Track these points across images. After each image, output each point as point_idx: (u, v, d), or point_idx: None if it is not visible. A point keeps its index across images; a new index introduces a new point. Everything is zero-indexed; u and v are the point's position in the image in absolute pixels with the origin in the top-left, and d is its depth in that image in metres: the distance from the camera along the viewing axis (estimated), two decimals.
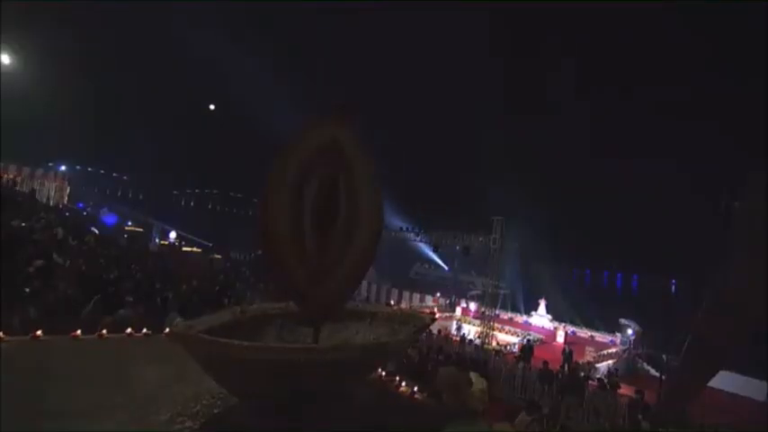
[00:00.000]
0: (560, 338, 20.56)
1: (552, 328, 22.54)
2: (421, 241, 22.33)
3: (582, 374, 13.59)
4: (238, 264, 24.66)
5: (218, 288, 10.38)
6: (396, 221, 27.94)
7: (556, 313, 24.94)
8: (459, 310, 24.60)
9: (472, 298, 26.24)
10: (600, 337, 21.19)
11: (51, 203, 28.72)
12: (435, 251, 22.27)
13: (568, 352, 15.15)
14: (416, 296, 25.29)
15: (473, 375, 4.85)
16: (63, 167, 33.86)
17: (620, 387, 10.61)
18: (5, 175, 29.14)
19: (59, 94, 31.70)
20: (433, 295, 26.82)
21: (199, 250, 28.32)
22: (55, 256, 5.71)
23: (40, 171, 31.86)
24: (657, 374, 16.64)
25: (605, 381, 10.39)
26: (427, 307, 25.16)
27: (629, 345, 18.31)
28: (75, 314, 3.69)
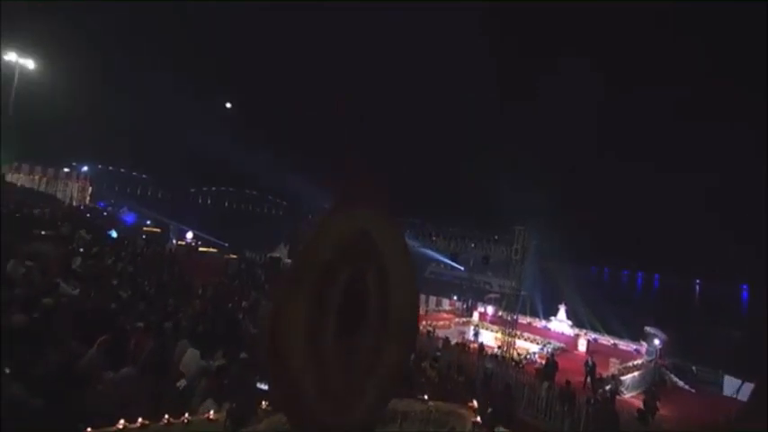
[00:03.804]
0: (582, 347, 19.86)
1: (573, 335, 21.82)
2: (436, 249, 21.85)
3: (608, 387, 13.02)
4: (253, 265, 24.67)
5: (231, 305, 10.19)
6: (411, 220, 27.49)
7: (575, 317, 24.17)
8: (476, 315, 24.07)
9: (489, 301, 25.66)
10: (623, 345, 20.38)
11: (75, 204, 29.36)
12: (454, 260, 21.75)
13: (591, 365, 14.50)
14: (432, 299, 24.81)
15: None
16: (85, 168, 34.55)
17: (658, 410, 10.06)
18: (32, 176, 29.97)
19: (82, 96, 32.31)
20: (450, 299, 26.33)
21: (215, 250, 28.50)
22: (63, 286, 5.52)
23: (64, 172, 32.59)
24: (686, 387, 15.91)
25: (644, 409, 9.80)
26: (444, 311, 24.73)
27: (656, 355, 17.51)
28: (71, 374, 3.41)
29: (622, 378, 14.27)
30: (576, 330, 22.38)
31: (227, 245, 30.55)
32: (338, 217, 1.68)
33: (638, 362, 16.71)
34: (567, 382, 10.60)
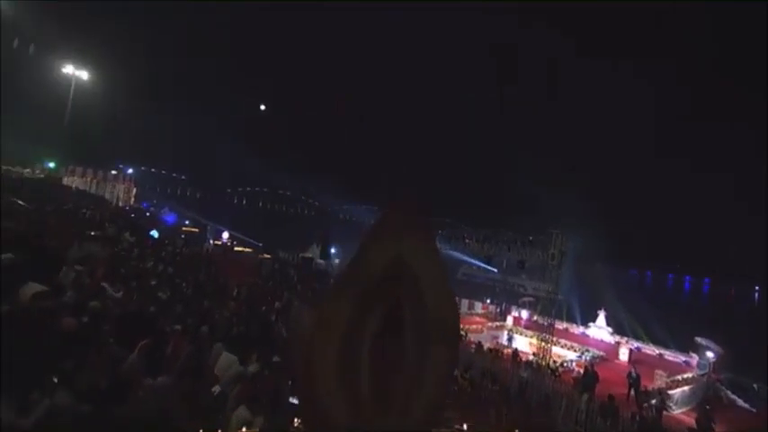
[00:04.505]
0: (623, 356, 18.80)
1: (613, 343, 20.72)
2: (470, 252, 21.38)
3: (654, 402, 12.19)
4: (286, 265, 25.17)
5: (264, 307, 10.38)
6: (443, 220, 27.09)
7: (616, 324, 22.95)
8: (510, 319, 23.39)
9: (523, 304, 24.88)
10: (670, 355, 19.10)
11: (121, 205, 31.17)
12: (488, 263, 21.22)
13: (635, 377, 13.64)
14: (465, 302, 24.29)
15: None
16: (130, 170, 36.59)
17: (713, 430, 9.32)
18: (85, 179, 32.15)
19: (128, 103, 34.39)
20: (482, 302, 25.74)
21: (250, 250, 29.32)
22: (107, 289, 5.78)
23: (111, 174, 34.68)
24: (746, 405, 14.65)
25: (696, 428, 9.10)
26: (476, 314, 24.20)
27: (709, 369, 16.25)
28: (116, 380, 3.50)
29: (670, 392, 13.33)
30: (617, 338, 21.25)
31: (261, 245, 31.35)
32: (374, 243, 1.57)
33: (689, 375, 15.58)
34: (611, 397, 10.00)
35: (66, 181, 29.92)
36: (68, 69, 27.49)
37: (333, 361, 1.47)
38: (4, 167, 26.59)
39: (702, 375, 15.92)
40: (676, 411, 12.81)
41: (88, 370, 3.34)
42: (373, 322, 1.46)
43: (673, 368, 16.52)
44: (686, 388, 14.33)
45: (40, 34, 28.08)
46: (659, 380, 14.46)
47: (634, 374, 13.73)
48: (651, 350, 19.96)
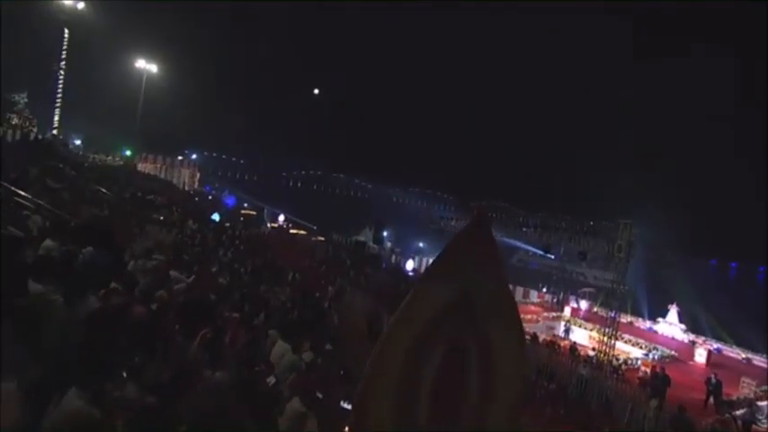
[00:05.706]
0: (700, 358, 17.08)
1: (686, 342, 18.86)
2: (527, 241, 20.35)
3: (739, 413, 10.89)
4: (339, 248, 25.75)
5: (318, 294, 10.61)
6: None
7: (691, 320, 20.83)
8: (567, 310, 22.17)
9: (583, 295, 23.42)
10: (760, 361, 16.97)
11: (186, 189, 33.63)
12: (546, 252, 20.07)
13: (716, 383, 12.28)
14: (519, 290, 23.30)
15: None
16: (194, 156, 39.06)
17: None
18: (156, 165, 35.09)
19: (193, 92, 36.58)
20: (538, 290, 24.61)
21: (304, 233, 30.33)
22: (176, 275, 6.13)
23: (178, 160, 37.37)
24: None
25: None
26: (531, 303, 23.24)
27: None
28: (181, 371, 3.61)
29: (760, 404, 11.81)
30: (692, 336, 19.32)
31: (315, 227, 32.27)
32: (441, 277, 1.35)
33: None
34: (681, 408, 8.87)
35: (140, 167, 32.76)
36: (140, 64, 29.74)
37: (392, 392, 1.24)
38: (90, 156, 29.72)
39: None
40: None
41: (155, 363, 3.49)
42: (437, 354, 1.22)
43: (763, 376, 14.68)
44: None
45: (117, 31, 30.55)
46: (746, 388, 12.94)
47: (714, 380, 12.37)
48: (735, 353, 17.90)
